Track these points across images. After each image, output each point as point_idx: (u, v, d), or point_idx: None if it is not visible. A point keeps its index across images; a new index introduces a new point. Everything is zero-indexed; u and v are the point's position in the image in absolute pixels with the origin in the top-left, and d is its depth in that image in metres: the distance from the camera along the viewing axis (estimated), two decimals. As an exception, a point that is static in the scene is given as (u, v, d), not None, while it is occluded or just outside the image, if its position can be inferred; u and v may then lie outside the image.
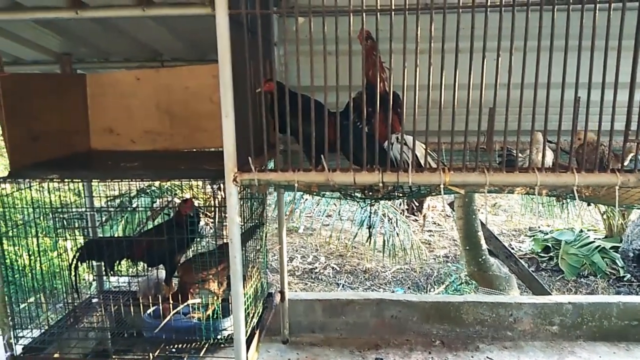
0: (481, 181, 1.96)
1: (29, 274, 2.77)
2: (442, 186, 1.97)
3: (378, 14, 1.94)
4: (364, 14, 1.95)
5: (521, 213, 10.63)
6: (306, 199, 7.33)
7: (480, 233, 6.14)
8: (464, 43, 1.88)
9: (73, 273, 2.85)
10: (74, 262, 2.83)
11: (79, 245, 2.88)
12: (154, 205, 5.69)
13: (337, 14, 1.94)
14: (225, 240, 2.99)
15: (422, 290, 7.34)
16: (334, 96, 2.03)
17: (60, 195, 2.89)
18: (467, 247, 6.15)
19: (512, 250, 7.47)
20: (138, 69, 3.25)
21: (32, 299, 2.74)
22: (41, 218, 2.75)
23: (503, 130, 1.99)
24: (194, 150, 3.24)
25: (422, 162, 2.16)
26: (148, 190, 6.05)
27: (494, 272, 5.98)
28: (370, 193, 2.60)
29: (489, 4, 1.87)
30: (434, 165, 2.11)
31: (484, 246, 6.18)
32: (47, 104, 2.82)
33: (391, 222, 6.32)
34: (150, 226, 5.23)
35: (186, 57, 3.26)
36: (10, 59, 3.10)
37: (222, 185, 2.83)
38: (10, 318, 2.59)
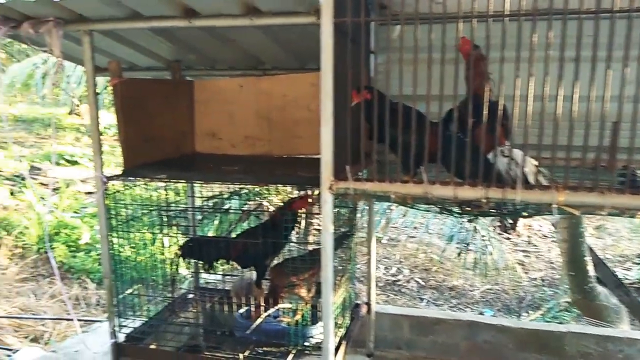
0: (600, 203, 1.77)
1: (132, 265, 2.94)
2: (554, 206, 1.81)
3: (490, 19, 1.83)
4: (474, 20, 1.85)
5: (629, 237, 9.68)
6: (393, 209, 7.21)
7: (588, 258, 5.64)
8: (586, 52, 1.72)
9: (174, 268, 3.00)
10: (176, 258, 2.97)
11: (181, 243, 3.02)
12: (245, 207, 5.87)
13: (444, 20, 1.87)
14: (315, 247, 3.00)
15: (514, 314, 6.90)
16: (433, 106, 1.94)
17: (163, 194, 3.05)
18: (572, 273, 5.67)
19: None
20: (241, 77, 3.37)
21: (132, 290, 2.91)
22: (146, 214, 2.93)
23: (628, 147, 1.79)
24: (290, 156, 3.29)
25: (530, 178, 2.00)
26: (241, 193, 6.26)
27: (601, 302, 5.45)
28: (469, 209, 2.46)
29: (616, 9, 1.69)
30: (545, 182, 1.94)
31: (591, 273, 5.67)
32: (158, 108, 3.01)
33: (483, 239, 6.02)
34: (240, 228, 5.41)
35: (286, 66, 3.32)
36: (127, 65, 3.34)
37: (309, 192, 2.86)
38: (115, 307, 2.77)
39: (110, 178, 2.65)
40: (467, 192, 1.93)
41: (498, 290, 7.75)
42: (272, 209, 5.85)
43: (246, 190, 6.18)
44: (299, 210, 2.83)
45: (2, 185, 9.84)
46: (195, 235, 3.27)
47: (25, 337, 5.20)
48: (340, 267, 2.81)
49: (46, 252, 7.78)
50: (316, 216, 3.16)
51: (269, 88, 3.22)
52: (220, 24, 2.30)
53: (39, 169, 10.23)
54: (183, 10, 2.27)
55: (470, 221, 5.17)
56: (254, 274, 3.10)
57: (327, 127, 2.06)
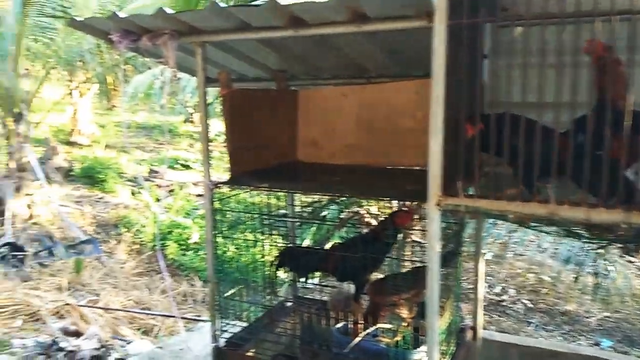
0: None
1: (235, 267, 2.98)
2: None
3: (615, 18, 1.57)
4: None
5: None
6: (500, 225, 6.74)
7: None
8: None
9: (273, 276, 3.00)
10: (274, 266, 2.97)
11: (280, 248, 3.01)
12: (342, 216, 5.81)
13: (579, 20, 1.63)
14: (418, 265, 2.83)
15: (637, 347, 6.11)
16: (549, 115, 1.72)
17: (266, 199, 3.06)
18: None
19: None
20: (345, 86, 3.30)
21: (233, 291, 2.94)
22: (249, 219, 2.97)
23: None
24: (392, 167, 3.15)
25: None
26: (338, 201, 6.22)
27: None
28: (598, 232, 2.16)
29: None
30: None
31: None
32: (264, 118, 3.03)
33: (606, 262, 5.39)
34: (338, 237, 5.35)
35: (391, 73, 3.19)
36: (236, 75, 3.42)
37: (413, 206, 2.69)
38: (217, 311, 2.82)
39: (216, 184, 2.71)
40: (603, 215, 1.66)
41: (618, 318, 6.93)
42: (368, 216, 5.73)
43: (343, 198, 6.11)
44: (402, 226, 2.67)
45: (125, 186, 10.78)
46: (291, 245, 3.24)
47: (138, 329, 5.57)
48: (446, 288, 2.61)
49: (161, 249, 8.37)
50: (416, 231, 2.98)
51: (372, 96, 3.11)
52: (326, 32, 2.23)
53: (156, 172, 11.07)
54: (290, 20, 2.24)
55: (601, 248, 4.63)
56: (352, 288, 3.00)
57: (436, 138, 1.90)
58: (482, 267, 3.17)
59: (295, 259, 2.97)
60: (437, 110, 1.89)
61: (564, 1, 1.66)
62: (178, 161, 12.19)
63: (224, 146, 3.08)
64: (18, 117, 8.33)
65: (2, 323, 3.89)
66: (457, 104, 1.92)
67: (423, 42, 2.00)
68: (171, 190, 10.48)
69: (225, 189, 2.84)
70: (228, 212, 2.78)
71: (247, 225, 2.95)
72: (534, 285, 7.84)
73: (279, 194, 3.26)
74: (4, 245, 7.37)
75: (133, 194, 10.50)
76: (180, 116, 16.48)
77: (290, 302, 3.43)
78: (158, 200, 9.66)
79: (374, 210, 5.72)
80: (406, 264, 3.19)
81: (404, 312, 2.62)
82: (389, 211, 2.86)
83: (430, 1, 1.83)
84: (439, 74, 1.86)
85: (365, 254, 2.59)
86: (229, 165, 2.77)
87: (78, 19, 2.53)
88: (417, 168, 3.03)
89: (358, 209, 6.16)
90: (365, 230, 3.49)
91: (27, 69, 11.71)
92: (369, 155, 3.18)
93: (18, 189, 8.48)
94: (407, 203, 2.60)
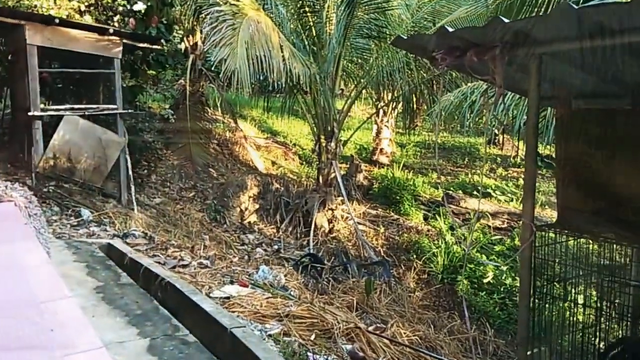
0: None
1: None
2: None
3: None
4: None
5: None
6: None
7: None
8: None
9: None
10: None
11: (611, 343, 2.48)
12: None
13: None
14: None
15: None
16: None
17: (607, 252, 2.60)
18: None
19: None
20: None
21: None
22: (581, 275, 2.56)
23: None
24: None
25: None
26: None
27: None
28: None
29: None
30: None
31: None
32: (611, 145, 2.57)
33: None
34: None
35: None
36: (576, 92, 3.03)
37: None
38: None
39: (541, 228, 2.41)
40: None
41: None
42: None
43: None
44: None
45: (419, 209, 11.18)
46: (630, 337, 2.63)
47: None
48: None
49: (450, 284, 8.29)
50: None
51: None
52: None
53: (452, 197, 11.13)
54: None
55: None
56: None
57: None
58: None
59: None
60: None
61: None
62: (477, 187, 11.99)
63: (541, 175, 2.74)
64: (330, 135, 9.59)
65: (300, 334, 4.38)
66: None
67: None
68: (466, 220, 10.35)
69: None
70: (552, 264, 2.44)
71: (575, 282, 2.55)
72: None
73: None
74: (307, 255, 8.50)
75: (426, 219, 10.77)
76: (484, 137, 16.29)
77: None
78: (452, 228, 9.67)
79: None
80: None
81: None
82: None
83: None
84: None
85: None
86: (556, 201, 2.46)
87: (403, 36, 2.63)
88: None
89: None
90: None
91: (342, 89, 13.48)
92: None
93: (323, 203, 9.73)
94: None
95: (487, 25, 2.23)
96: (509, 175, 13.68)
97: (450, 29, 2.45)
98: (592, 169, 2.55)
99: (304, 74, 8.09)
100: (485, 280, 8.01)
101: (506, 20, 2.18)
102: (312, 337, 4.57)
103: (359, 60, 10.28)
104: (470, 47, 2.46)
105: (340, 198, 9.88)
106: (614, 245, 2.69)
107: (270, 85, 9.99)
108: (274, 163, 13.87)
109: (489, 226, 9.91)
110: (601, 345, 2.66)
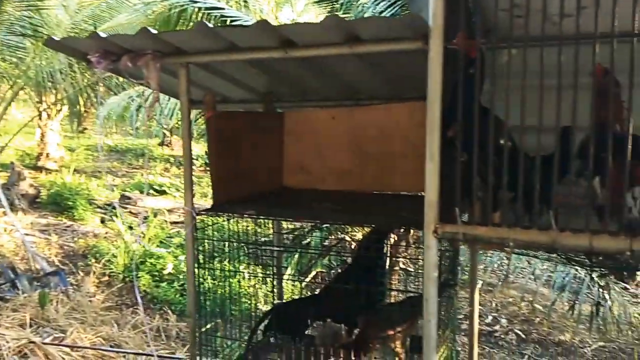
0: None
1: (212, 299, 2.92)
2: None
3: (615, 41, 1.63)
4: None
5: None
6: (492, 254, 6.78)
7: None
8: None
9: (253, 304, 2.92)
10: (256, 327, 2.87)
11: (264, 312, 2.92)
12: (325, 243, 5.79)
13: (579, 42, 1.68)
14: (411, 295, 2.81)
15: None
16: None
17: (248, 225, 3.03)
18: None
19: None
20: (333, 108, 3.33)
21: (211, 325, 2.87)
22: (231, 247, 2.93)
23: None
24: (383, 192, 3.16)
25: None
26: (322, 227, 6.19)
27: None
28: (600, 258, 2.18)
29: None
30: None
31: None
32: (250, 141, 3.02)
33: (602, 290, 5.43)
34: (319, 265, 5.30)
35: (383, 95, 3.23)
36: (220, 97, 3.42)
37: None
38: (197, 349, 2.74)
39: (200, 213, 2.67)
40: (607, 243, 1.68)
41: (614, 348, 7.00)
42: (352, 243, 5.70)
43: (326, 225, 6.10)
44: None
45: (95, 213, 10.57)
46: (279, 303, 3.14)
47: (108, 369, 5.38)
48: (442, 320, 2.59)
49: (131, 282, 8.16)
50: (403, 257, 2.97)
51: (363, 119, 3.14)
52: (318, 54, 2.26)
53: (129, 198, 10.89)
54: (280, 41, 2.26)
55: (602, 276, 4.68)
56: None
57: (432, 163, 1.92)
58: (476, 299, 3.17)
59: (287, 320, 2.86)
60: (433, 134, 1.91)
61: (563, 23, 1.71)
62: (153, 186, 12.05)
63: (202, 170, 3.05)
64: (-19, 140, 8.20)
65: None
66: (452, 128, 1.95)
67: (416, 63, 2.03)
68: (145, 217, 10.31)
69: (204, 217, 2.80)
70: (205, 241, 2.73)
71: (226, 255, 2.90)
72: (526, 315, 7.87)
73: (266, 221, 3.24)
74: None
75: (103, 221, 10.30)
76: (156, 139, 16.37)
77: (274, 337, 3.36)
78: (131, 228, 9.48)
79: (359, 237, 5.71)
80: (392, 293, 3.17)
81: (398, 347, 2.59)
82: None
83: (426, 23, 1.87)
84: (435, 97, 1.89)
85: (361, 286, 2.55)
86: (212, 191, 2.75)
87: (55, 38, 2.51)
88: (409, 193, 3.05)
89: (343, 235, 6.14)
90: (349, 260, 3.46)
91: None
92: (360, 180, 3.19)
93: (-21, 217, 8.27)
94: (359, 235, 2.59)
95: (137, 34, 2.34)
96: (182, 173, 14.13)
97: (104, 35, 2.46)
98: (239, 162, 2.95)
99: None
100: (165, 272, 8.15)
101: (154, 32, 2.33)
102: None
103: (14, 59, 9.07)
104: (125, 53, 2.53)
105: (2, 210, 8.56)
106: (265, 222, 3.23)
107: None
108: None
109: (166, 221, 10.11)
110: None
